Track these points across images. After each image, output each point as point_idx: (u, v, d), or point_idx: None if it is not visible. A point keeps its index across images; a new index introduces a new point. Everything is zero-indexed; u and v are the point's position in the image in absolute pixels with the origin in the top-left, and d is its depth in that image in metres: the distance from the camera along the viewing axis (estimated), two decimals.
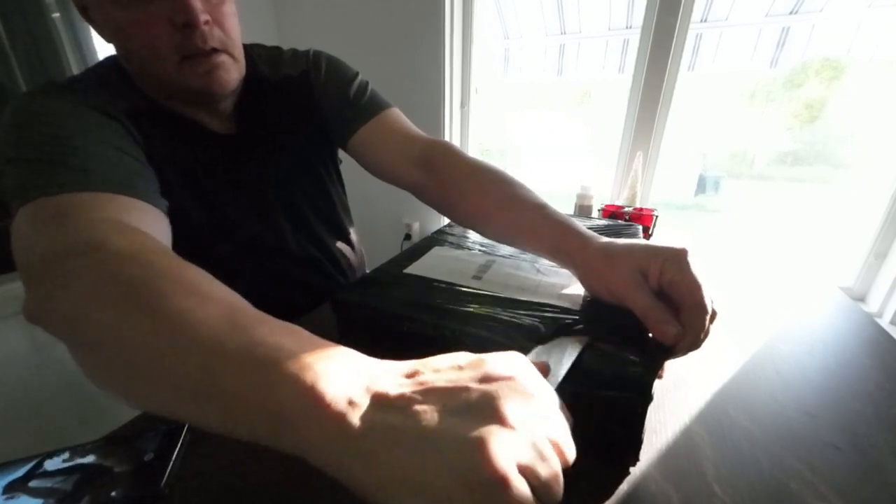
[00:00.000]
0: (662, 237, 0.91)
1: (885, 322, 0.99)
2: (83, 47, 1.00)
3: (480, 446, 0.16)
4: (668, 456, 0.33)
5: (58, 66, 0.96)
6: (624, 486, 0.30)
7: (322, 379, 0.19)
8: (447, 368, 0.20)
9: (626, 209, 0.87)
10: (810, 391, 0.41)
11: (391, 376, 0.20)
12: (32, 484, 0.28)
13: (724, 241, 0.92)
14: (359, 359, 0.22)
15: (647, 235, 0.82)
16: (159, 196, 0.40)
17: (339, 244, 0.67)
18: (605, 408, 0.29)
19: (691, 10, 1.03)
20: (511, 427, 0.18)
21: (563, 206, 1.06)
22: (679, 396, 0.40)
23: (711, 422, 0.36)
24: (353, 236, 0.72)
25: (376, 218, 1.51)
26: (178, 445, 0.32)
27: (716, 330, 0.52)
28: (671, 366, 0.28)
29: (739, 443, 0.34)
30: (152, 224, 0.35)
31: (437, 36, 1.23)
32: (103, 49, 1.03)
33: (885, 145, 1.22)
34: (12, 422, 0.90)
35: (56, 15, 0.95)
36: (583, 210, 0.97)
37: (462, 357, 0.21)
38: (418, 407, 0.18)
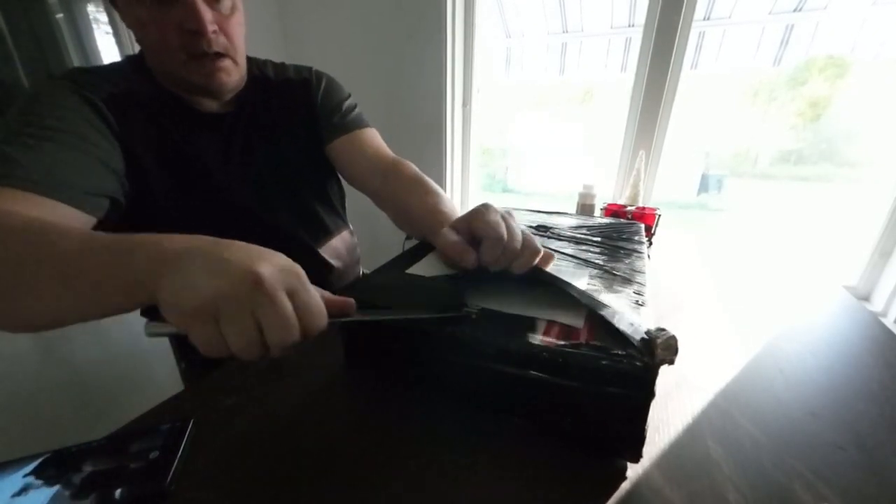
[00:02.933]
0: (665, 239, 0.91)
1: (889, 321, 0.99)
2: (86, 48, 1.00)
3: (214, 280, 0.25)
4: (671, 455, 0.33)
5: (61, 67, 0.96)
6: (626, 485, 0.30)
7: (152, 248, 0.27)
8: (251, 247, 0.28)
9: (629, 208, 0.87)
10: (814, 391, 0.41)
11: (202, 242, 0.28)
12: (38, 482, 0.29)
13: (727, 240, 0.92)
14: (174, 236, 0.28)
15: (650, 235, 0.81)
16: (85, 192, 0.43)
17: (333, 224, 0.72)
18: (608, 405, 0.29)
19: (694, 8, 1.02)
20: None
21: (564, 205, 1.06)
22: (682, 396, 0.40)
23: (714, 422, 0.36)
24: (348, 223, 0.78)
25: (378, 218, 1.51)
26: (183, 443, 0.32)
27: (718, 330, 0.53)
28: (674, 366, 0.28)
29: (742, 443, 0.34)
30: (44, 213, 0.39)
31: (438, 35, 1.23)
32: (106, 50, 1.03)
33: (890, 143, 1.21)
34: (17, 420, 0.90)
35: (60, 16, 0.95)
36: (585, 209, 0.97)
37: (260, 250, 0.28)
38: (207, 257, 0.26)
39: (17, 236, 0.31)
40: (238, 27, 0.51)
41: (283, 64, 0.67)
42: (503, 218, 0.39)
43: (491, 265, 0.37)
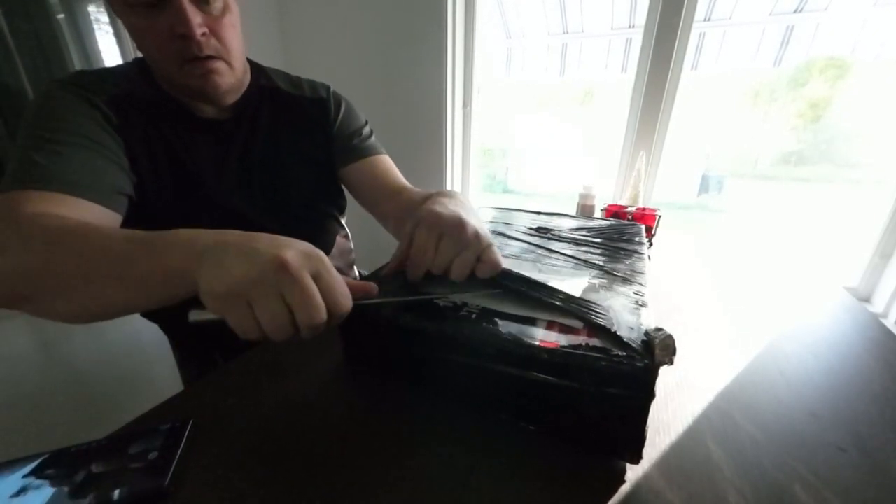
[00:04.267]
0: (665, 240, 0.91)
1: (890, 322, 0.99)
2: (87, 48, 1.01)
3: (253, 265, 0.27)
4: (671, 456, 0.32)
5: (62, 67, 0.97)
6: (626, 486, 0.30)
7: (188, 243, 0.30)
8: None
9: (629, 209, 0.87)
10: (814, 392, 0.41)
11: (232, 236, 0.30)
12: (37, 482, 0.29)
13: (728, 242, 0.92)
14: (208, 231, 0.31)
15: (650, 235, 0.81)
16: (111, 192, 0.45)
17: (328, 230, 0.72)
18: (608, 405, 0.29)
19: (694, 9, 1.02)
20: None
21: (565, 206, 1.06)
22: (682, 397, 0.40)
23: (715, 423, 0.36)
24: (345, 228, 0.79)
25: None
26: (183, 443, 0.32)
27: (719, 330, 0.52)
28: (674, 367, 0.28)
29: (743, 444, 0.34)
30: (81, 214, 0.41)
31: (439, 36, 1.23)
32: (108, 51, 1.03)
33: (890, 144, 1.21)
34: (17, 420, 0.90)
35: (61, 16, 0.95)
36: (585, 210, 0.97)
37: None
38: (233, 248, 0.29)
39: (74, 237, 0.34)
40: (230, 28, 0.51)
41: (298, 78, 0.67)
42: (439, 237, 0.37)
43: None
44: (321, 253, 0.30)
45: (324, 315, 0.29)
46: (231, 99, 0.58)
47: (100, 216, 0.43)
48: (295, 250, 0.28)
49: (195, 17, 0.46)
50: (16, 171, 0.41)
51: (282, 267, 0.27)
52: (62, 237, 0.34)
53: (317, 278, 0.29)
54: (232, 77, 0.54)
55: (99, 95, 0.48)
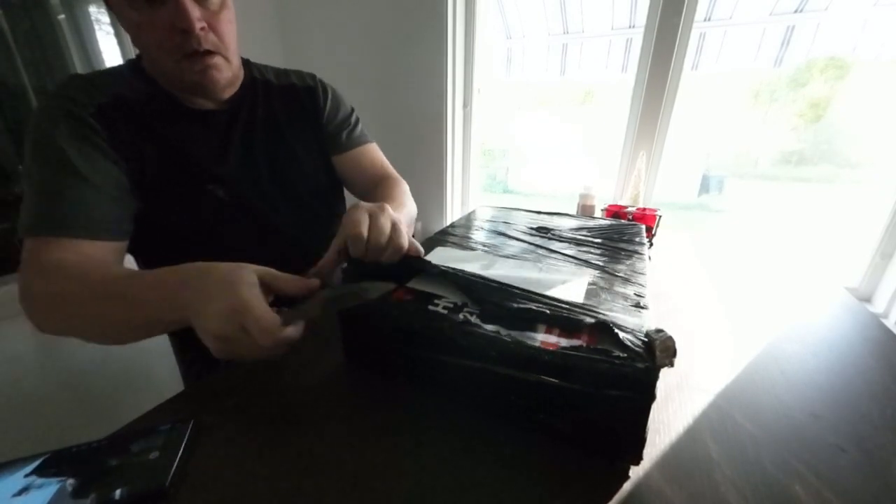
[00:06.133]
0: (665, 240, 0.91)
1: (891, 323, 0.98)
2: (87, 48, 1.01)
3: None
4: (671, 456, 0.32)
5: (62, 67, 0.97)
6: (627, 486, 0.30)
7: (171, 300, 0.35)
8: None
9: (630, 209, 0.87)
10: (815, 392, 0.41)
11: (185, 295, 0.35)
12: (39, 481, 0.29)
13: (728, 242, 0.92)
14: (176, 281, 0.36)
15: (651, 235, 0.81)
16: (113, 222, 0.48)
17: (329, 222, 0.71)
18: (608, 407, 0.29)
19: (695, 9, 1.02)
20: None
21: (565, 206, 1.06)
22: (683, 397, 0.40)
23: (715, 423, 0.36)
24: None
25: None
26: (183, 443, 0.32)
27: (719, 331, 0.52)
28: (675, 367, 0.28)
29: (743, 444, 0.34)
30: (92, 254, 0.45)
31: (439, 36, 1.23)
32: (108, 51, 1.04)
33: (891, 144, 1.21)
34: (17, 421, 0.90)
35: (61, 16, 0.95)
36: (586, 210, 0.97)
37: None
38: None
39: (90, 303, 0.39)
40: (227, 24, 0.51)
41: (284, 70, 0.69)
42: (370, 215, 0.42)
43: (365, 259, 0.41)
44: (241, 303, 0.32)
45: (267, 345, 0.32)
46: (228, 94, 0.58)
47: (105, 250, 0.47)
48: (217, 322, 0.32)
49: (194, 12, 0.46)
50: (31, 217, 0.45)
51: (226, 339, 0.32)
52: (79, 299, 0.39)
53: (245, 331, 0.32)
54: (229, 72, 0.54)
55: (86, 108, 0.48)
